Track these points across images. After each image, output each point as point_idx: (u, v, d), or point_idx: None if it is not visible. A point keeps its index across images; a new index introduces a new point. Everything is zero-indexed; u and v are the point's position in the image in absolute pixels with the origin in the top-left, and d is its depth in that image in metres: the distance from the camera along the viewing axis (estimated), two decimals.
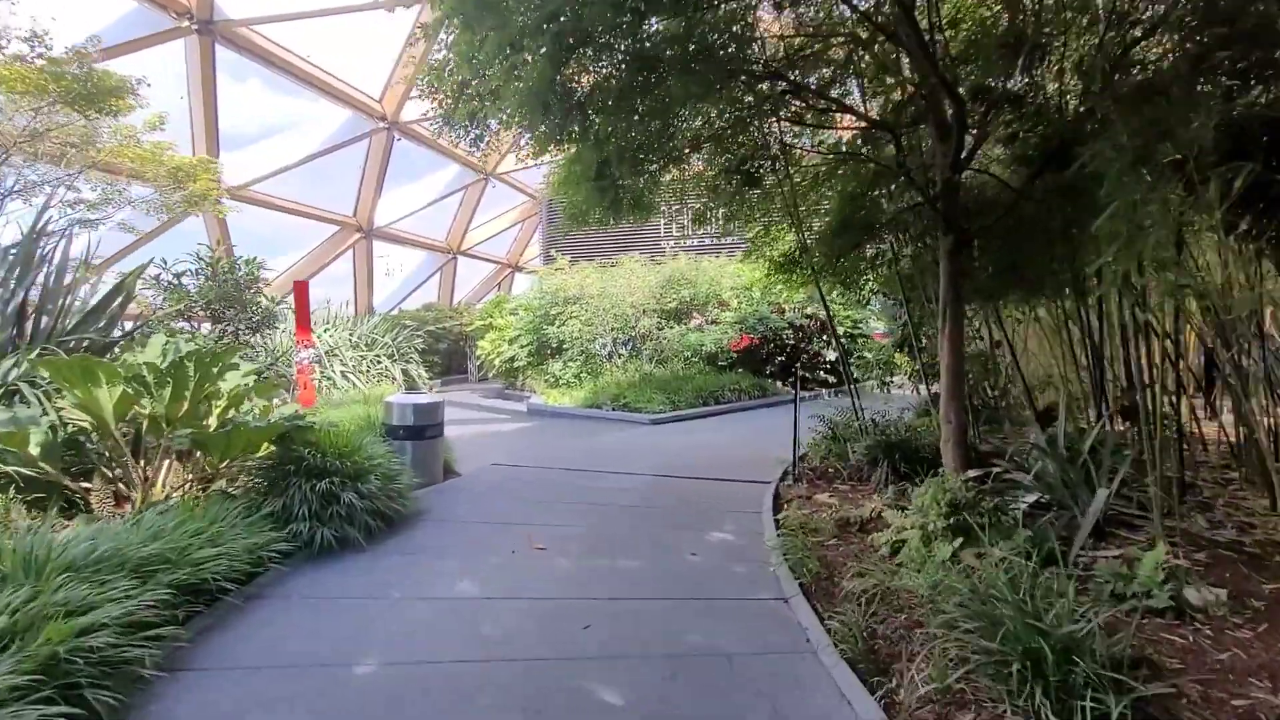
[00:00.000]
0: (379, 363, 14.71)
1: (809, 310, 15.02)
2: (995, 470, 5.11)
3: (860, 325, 15.97)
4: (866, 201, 6.37)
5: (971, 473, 5.01)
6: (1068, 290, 6.01)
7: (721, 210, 8.50)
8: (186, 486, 5.30)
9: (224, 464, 5.25)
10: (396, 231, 21.72)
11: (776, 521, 5.39)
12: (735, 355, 14.49)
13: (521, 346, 16.06)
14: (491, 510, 5.93)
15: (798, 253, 7.54)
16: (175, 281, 9.25)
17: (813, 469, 6.95)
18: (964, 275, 5.64)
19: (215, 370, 5.09)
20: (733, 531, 5.30)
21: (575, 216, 7.16)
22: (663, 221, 24.04)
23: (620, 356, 14.87)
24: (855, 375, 17.28)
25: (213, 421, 5.55)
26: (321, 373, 12.32)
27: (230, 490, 5.27)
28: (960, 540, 4.32)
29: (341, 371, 12.75)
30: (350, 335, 14.81)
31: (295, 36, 13.65)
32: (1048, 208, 5.28)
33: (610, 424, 11.72)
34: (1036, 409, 6.92)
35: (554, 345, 15.29)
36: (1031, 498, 4.94)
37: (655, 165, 6.16)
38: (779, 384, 15.18)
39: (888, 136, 5.77)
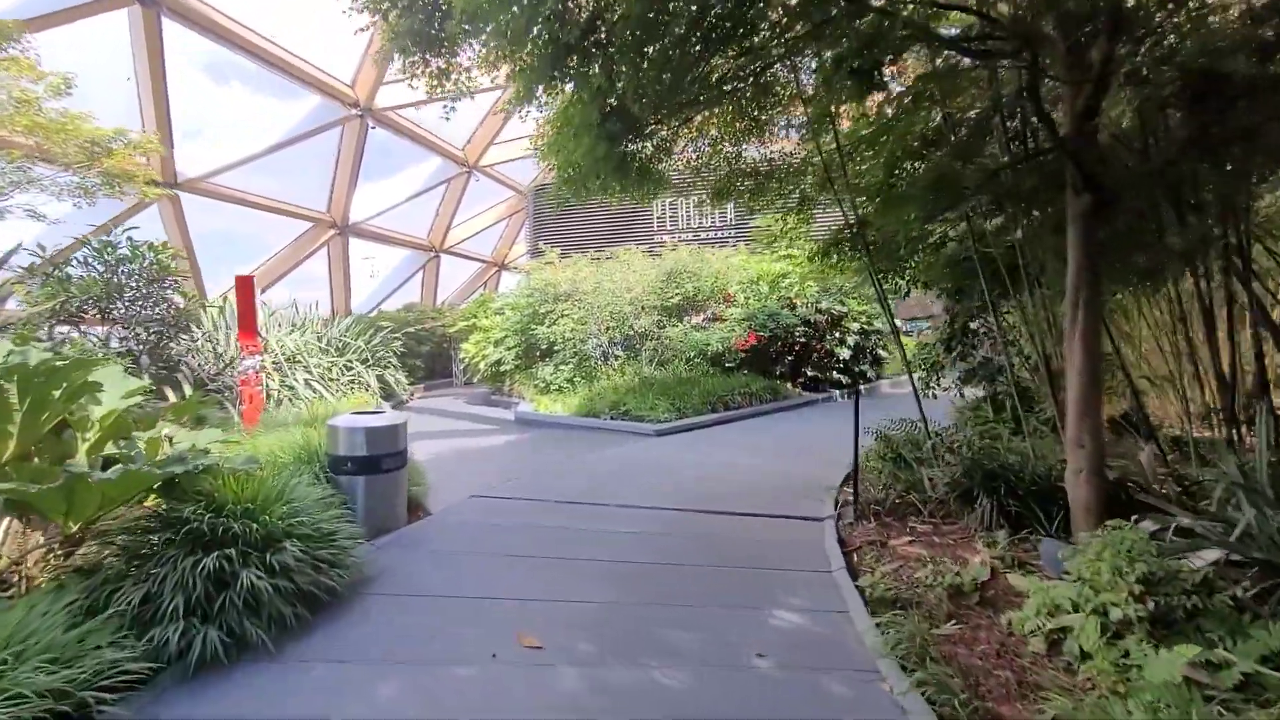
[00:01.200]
0: (351, 369, 13.01)
1: (822, 305, 13.50)
2: (1171, 519, 3.58)
3: (875, 321, 14.49)
4: (948, 154, 4.82)
5: (1147, 525, 3.48)
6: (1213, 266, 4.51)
7: (748, 184, 6.95)
8: (36, 559, 3.66)
9: (81, 526, 3.61)
10: (374, 228, 19.97)
11: (860, 591, 3.83)
12: (743, 355, 12.96)
13: (508, 349, 14.40)
14: (466, 574, 4.31)
15: (848, 231, 5.99)
16: (54, 273, 7.41)
17: (875, 500, 5.40)
18: (1101, 250, 4.11)
19: (58, 391, 3.45)
20: (805, 608, 3.72)
21: (572, 182, 5.57)
22: (656, 214, 22.55)
23: (617, 358, 13.28)
24: (870, 374, 15.84)
25: (81, 459, 3.90)
26: (281, 382, 10.62)
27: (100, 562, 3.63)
28: (1176, 641, 2.78)
29: (306, 380, 11.05)
30: (319, 339, 13.09)
31: (256, 12, 11.90)
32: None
33: (610, 436, 10.13)
34: (1149, 423, 5.43)
35: (544, 347, 13.66)
36: (1213, 555, 3.42)
37: (681, 103, 4.55)
38: (789, 385, 13.67)
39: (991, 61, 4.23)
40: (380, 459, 4.94)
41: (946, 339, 8.04)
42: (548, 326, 13.29)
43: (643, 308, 12.83)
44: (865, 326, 14.29)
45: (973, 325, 8.21)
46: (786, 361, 14.23)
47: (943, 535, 4.66)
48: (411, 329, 17.31)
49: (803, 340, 13.73)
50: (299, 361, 11.32)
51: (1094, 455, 4.09)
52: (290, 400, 10.41)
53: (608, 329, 13.05)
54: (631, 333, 13.06)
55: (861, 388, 16.07)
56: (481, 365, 14.98)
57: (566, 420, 11.46)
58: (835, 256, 6.51)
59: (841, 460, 7.57)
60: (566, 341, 13.06)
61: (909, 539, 4.65)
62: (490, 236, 28.17)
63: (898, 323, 18.65)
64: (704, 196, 7.22)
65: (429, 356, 19.27)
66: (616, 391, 11.94)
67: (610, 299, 12.69)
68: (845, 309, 13.78)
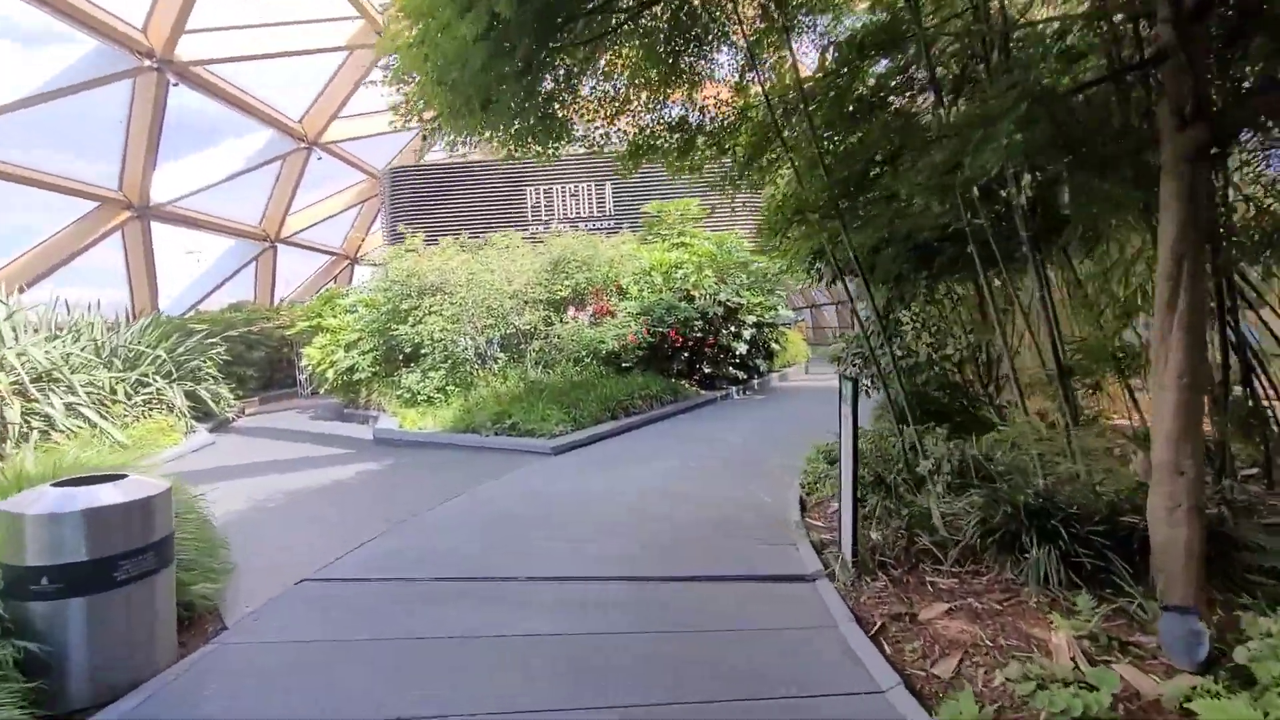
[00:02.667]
0: (148, 385, 9.87)
1: (721, 296, 12.33)
2: None
3: (771, 313, 13.61)
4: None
5: None
6: None
7: (673, 139, 5.36)
8: None
9: None
10: (186, 211, 16.15)
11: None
12: (641, 353, 11.46)
13: (363, 353, 11.83)
14: None
15: (812, 194, 4.58)
16: None
17: (870, 545, 4.03)
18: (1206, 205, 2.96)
19: None
20: None
21: (455, 115, 3.70)
22: (532, 200, 20.49)
23: (497, 361, 11.24)
24: (763, 368, 15.02)
25: None
26: (26, 410, 7.49)
27: None
28: None
29: (70, 405, 7.95)
30: (99, 348, 9.79)
31: None
32: None
33: (496, 457, 8.16)
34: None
35: (407, 350, 11.29)
36: None
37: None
38: (685, 384, 12.38)
39: None
40: (113, 563, 2.76)
41: (880, 331, 6.97)
42: (411, 326, 10.95)
43: (526, 302, 10.89)
44: (760, 319, 13.35)
45: (901, 316, 7.29)
46: (683, 358, 12.96)
47: (982, 598, 3.37)
48: (238, 332, 14.01)
49: (699, 335, 12.51)
50: (58, 380, 8.16)
51: (1196, 484, 2.96)
52: (41, 435, 7.36)
53: (486, 327, 10.97)
54: (514, 331, 11.08)
55: (755, 382, 15.28)
56: (330, 374, 12.24)
57: (439, 438, 9.29)
58: (795, 233, 5.11)
59: (780, 473, 6.29)
60: (436, 343, 10.81)
61: (944, 607, 3.32)
62: (340, 226, 24.58)
63: (789, 313, 18.17)
64: (619, 156, 5.51)
65: (265, 364, 15.91)
66: (499, 400, 9.96)
67: (488, 292, 10.62)
68: (742, 301, 12.73)
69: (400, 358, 11.68)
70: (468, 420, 9.49)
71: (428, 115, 4.86)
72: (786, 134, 4.73)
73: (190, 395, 10.64)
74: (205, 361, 11.98)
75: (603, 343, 10.75)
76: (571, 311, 12.42)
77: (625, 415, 10.03)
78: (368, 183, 23.72)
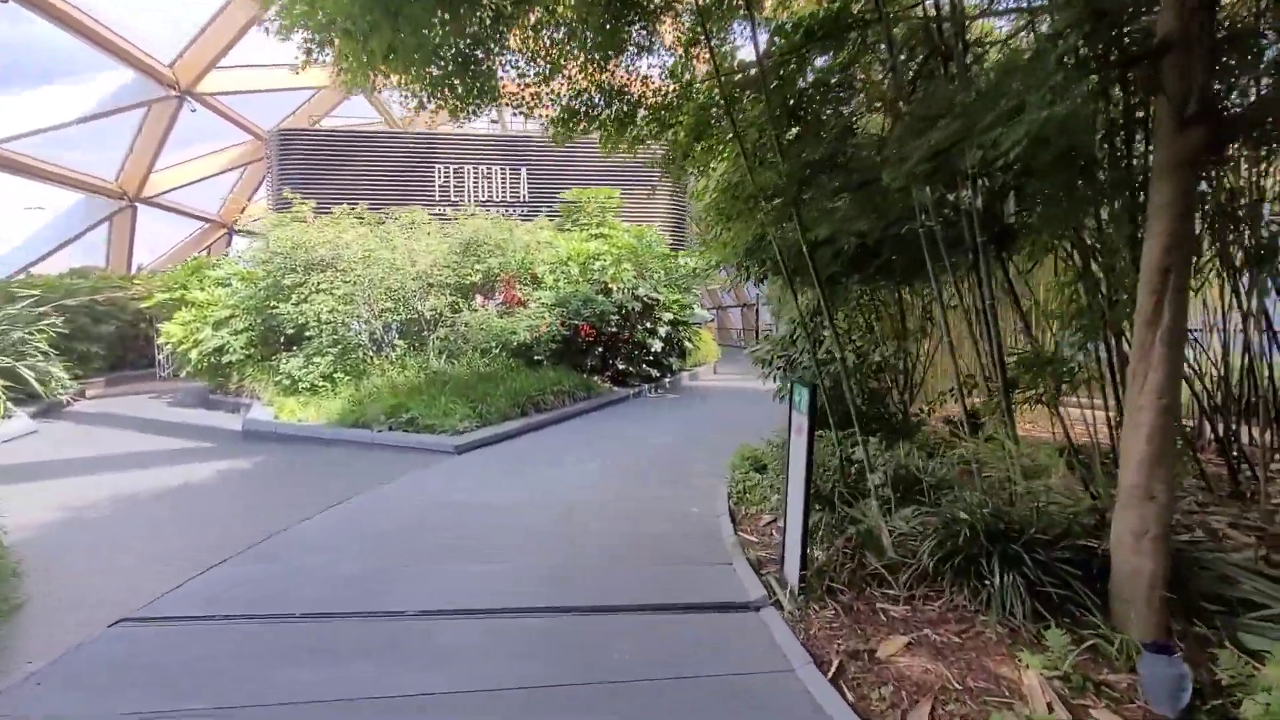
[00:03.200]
0: None
1: (640, 291, 11.85)
2: None
3: (687, 311, 13.31)
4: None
5: None
6: None
7: (612, 109, 4.77)
8: None
9: None
10: (16, 156, 13.59)
11: None
12: (554, 347, 10.76)
13: (236, 333, 10.34)
14: None
15: (769, 179, 4.15)
16: None
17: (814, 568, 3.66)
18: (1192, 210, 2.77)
19: None
20: None
21: (355, 39, 2.91)
22: (440, 180, 19.15)
23: (396, 348, 10.15)
24: (676, 367, 14.72)
25: None
26: None
27: None
28: None
29: None
30: None
31: None
32: None
33: (389, 456, 7.23)
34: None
35: (290, 331, 9.96)
36: None
37: None
38: (598, 380, 11.82)
39: None
40: None
41: (807, 334, 6.74)
42: (295, 304, 9.65)
43: (431, 285, 9.89)
44: (677, 317, 13.02)
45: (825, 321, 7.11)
46: (597, 353, 12.38)
47: (939, 628, 3.06)
48: (77, 301, 11.93)
49: (614, 329, 11.99)
50: None
51: (1166, 511, 2.77)
52: None
53: (384, 310, 9.86)
54: (416, 316, 10.04)
55: (667, 381, 14.98)
56: (193, 355, 10.63)
57: (322, 432, 8.18)
58: (736, 224, 4.66)
59: (706, 480, 5.88)
60: (324, 325, 9.58)
61: (902, 640, 2.97)
62: (218, 190, 21.97)
63: (704, 312, 17.99)
64: (552, 121, 4.84)
65: (115, 340, 13.71)
66: (396, 392, 8.95)
67: (388, 272, 9.53)
68: (659, 297, 12.33)
69: (281, 340, 10.31)
70: (358, 413, 8.44)
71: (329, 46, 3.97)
72: (739, 116, 4.28)
73: (6, 373, 8.80)
74: (32, 334, 10.02)
75: (514, 334, 9.96)
76: (480, 299, 11.51)
77: (537, 411, 9.33)
78: (252, 144, 21.30)
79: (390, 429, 8.03)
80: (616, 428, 8.86)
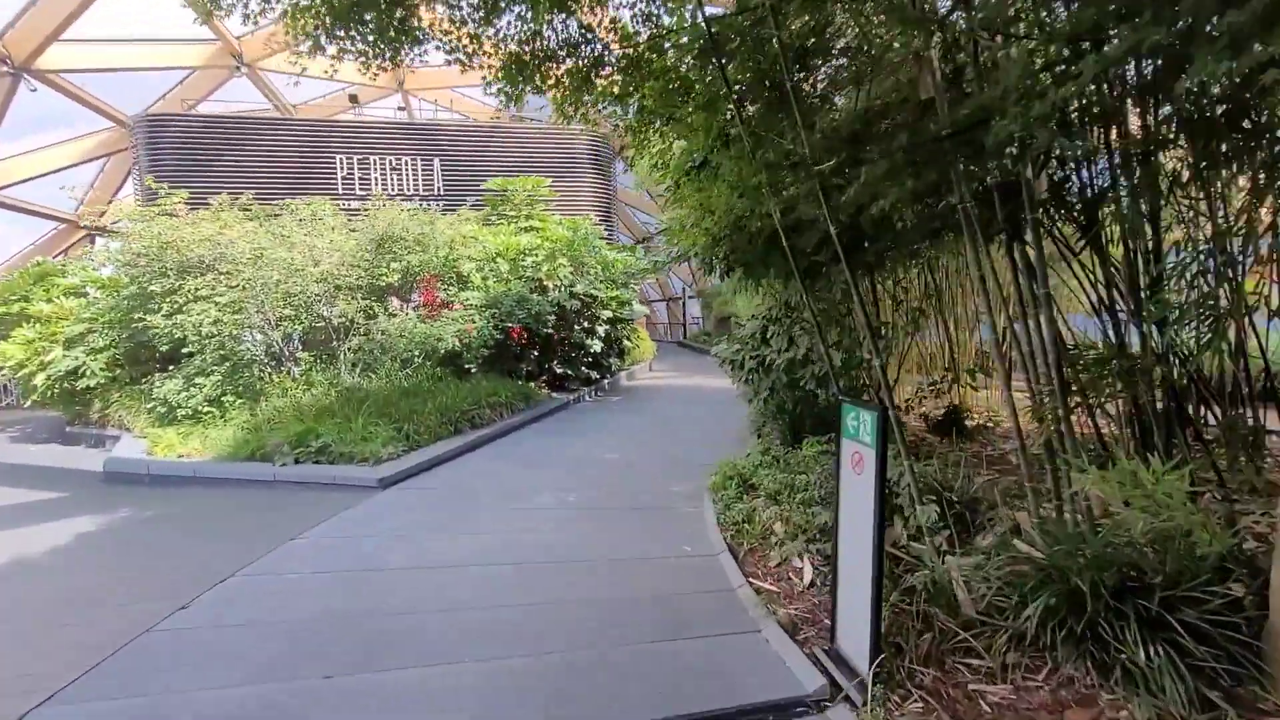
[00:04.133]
0: None
1: (578, 288, 10.83)
2: None
3: (626, 307, 12.43)
4: None
5: None
6: None
7: (564, 64, 3.79)
8: None
9: None
10: None
11: None
12: (485, 353, 9.57)
13: (94, 351, 8.51)
14: None
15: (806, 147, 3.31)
16: None
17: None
18: None
19: None
20: None
21: None
22: (343, 171, 17.25)
23: (299, 363, 8.65)
24: (614, 367, 13.82)
25: None
26: None
27: None
28: None
29: None
30: None
31: None
32: None
33: (295, 497, 5.92)
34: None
35: (164, 348, 8.26)
36: None
37: None
38: (533, 386, 10.74)
39: None
40: None
41: (783, 330, 6.02)
42: (168, 315, 7.97)
43: (339, 288, 8.46)
44: (616, 314, 12.10)
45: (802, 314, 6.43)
46: (532, 357, 11.28)
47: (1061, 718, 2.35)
48: None
49: (551, 331, 10.93)
50: None
51: None
52: None
53: (283, 319, 8.35)
54: (323, 324, 8.59)
55: (605, 382, 14.05)
56: (39, 379, 8.67)
57: (208, 470, 6.69)
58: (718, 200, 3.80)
59: (687, 508, 5.02)
60: (207, 339, 7.97)
61: None
62: (76, 185, 18.88)
63: (643, 307, 17.14)
64: (495, 75, 3.79)
65: None
66: (302, 415, 7.54)
67: (285, 274, 8.02)
68: (598, 293, 11.36)
69: (153, 359, 8.56)
70: (255, 443, 6.99)
71: None
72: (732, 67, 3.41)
73: None
74: None
75: (440, 340, 8.71)
76: (396, 303, 10.13)
77: (472, 428, 8.17)
78: (114, 133, 18.45)
79: (297, 461, 6.67)
80: (564, 443, 7.86)
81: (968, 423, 6.35)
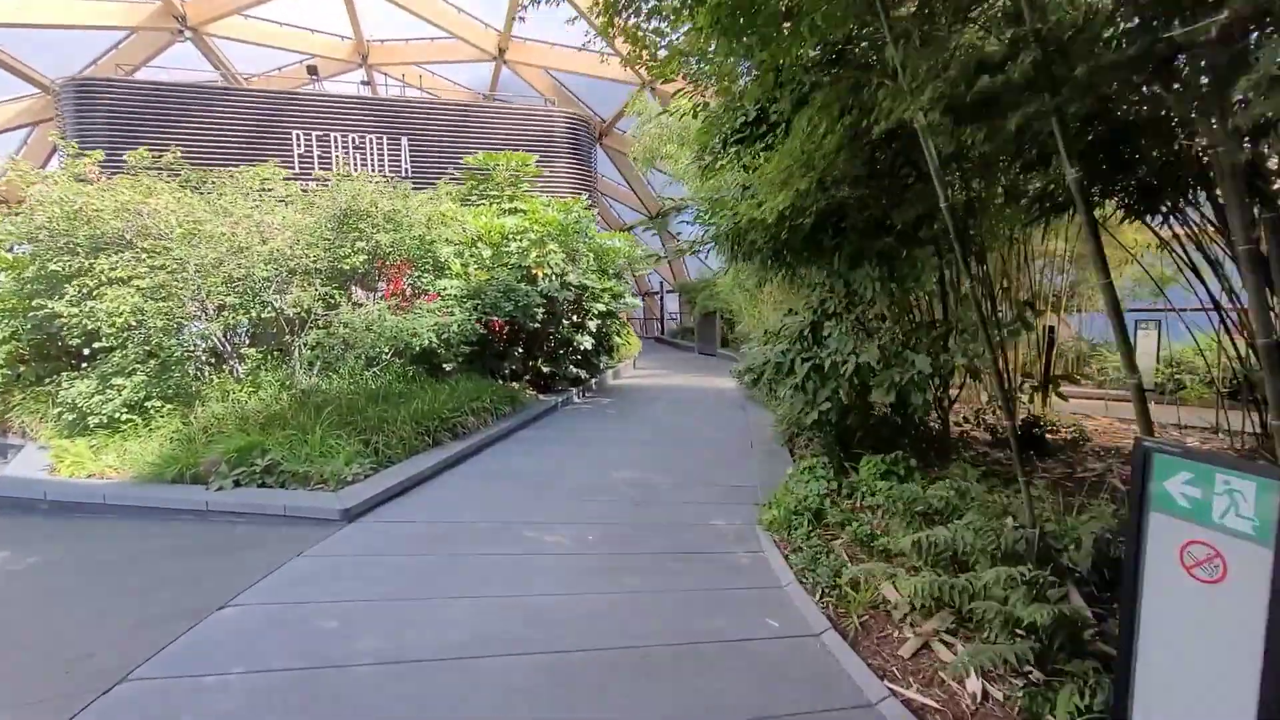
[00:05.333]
0: None
1: (570, 278, 9.57)
2: None
3: (620, 301, 11.21)
4: None
5: None
6: None
7: None
8: None
9: None
10: None
11: None
12: (467, 349, 8.25)
13: None
14: None
15: None
16: None
17: None
18: None
19: None
20: None
21: None
22: (300, 147, 15.57)
23: (244, 361, 7.20)
24: (603, 365, 12.61)
25: None
26: None
27: None
28: None
29: None
30: None
31: None
32: None
33: (233, 536, 4.58)
34: None
35: (76, 341, 6.72)
36: None
37: None
38: (516, 386, 9.48)
39: None
40: None
41: (848, 330, 4.94)
42: (75, 301, 6.43)
43: (293, 271, 7.03)
44: (608, 307, 10.88)
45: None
46: (517, 355, 10.00)
47: None
48: None
49: (539, 325, 9.67)
50: None
51: None
52: None
53: (223, 309, 6.89)
54: (274, 315, 7.15)
55: (593, 382, 12.79)
56: None
57: (126, 495, 5.25)
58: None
59: (730, 545, 3.89)
60: (127, 332, 6.47)
61: None
62: None
63: (637, 300, 15.92)
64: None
65: None
66: (247, 424, 6.16)
67: (226, 254, 6.57)
68: (590, 284, 10.12)
69: (62, 353, 7.01)
70: (185, 461, 5.58)
71: None
72: None
73: None
74: None
75: (414, 335, 7.37)
76: (361, 293, 8.72)
77: (453, 438, 6.89)
78: (40, 100, 16.35)
79: (237, 484, 5.30)
80: (563, 457, 6.64)
81: (1045, 436, 5.40)
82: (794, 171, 3.00)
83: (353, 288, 8.87)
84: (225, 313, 6.96)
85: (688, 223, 5.81)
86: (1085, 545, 2.65)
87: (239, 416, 6.39)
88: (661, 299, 29.77)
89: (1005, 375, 5.87)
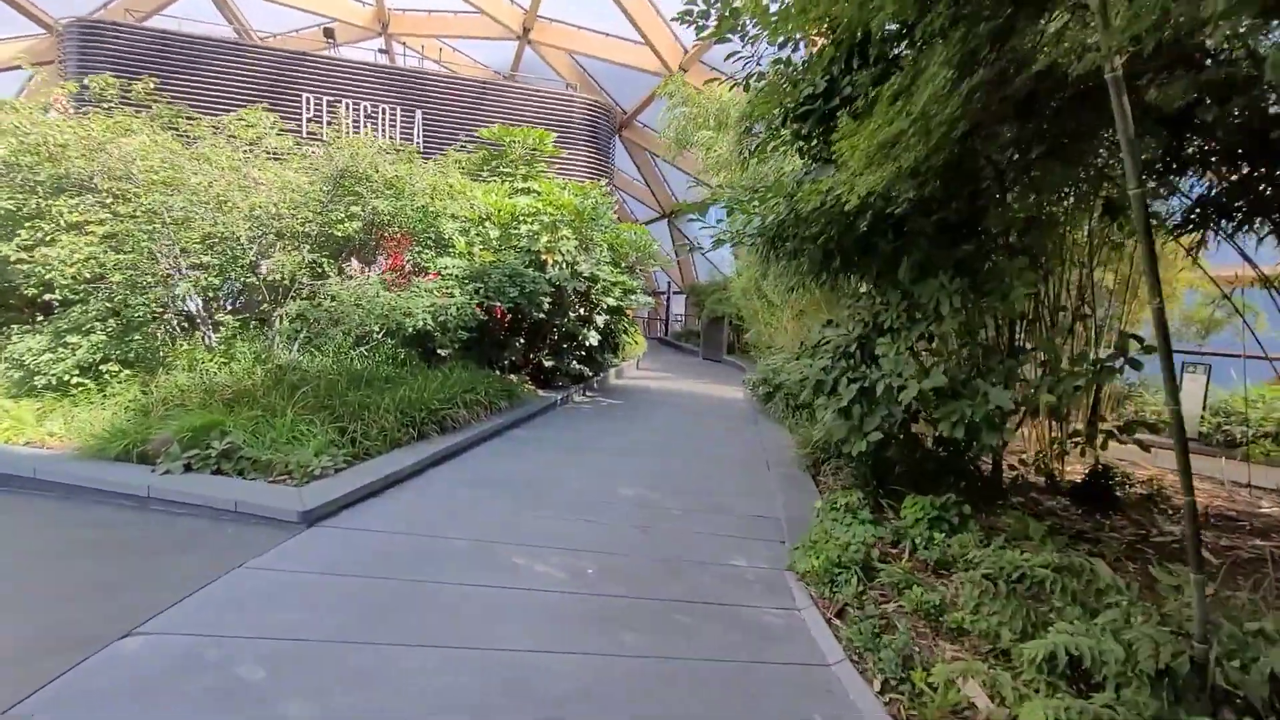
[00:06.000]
0: None
1: (582, 267, 8.86)
2: None
3: (632, 297, 10.49)
4: None
5: None
6: None
7: None
8: None
9: None
10: None
11: None
12: (466, 336, 7.54)
13: None
14: None
15: None
16: None
17: None
18: None
19: None
20: None
21: None
22: (309, 111, 14.86)
23: (219, 328, 6.48)
24: (607, 361, 11.91)
25: None
26: None
27: None
28: None
29: None
30: None
31: None
32: None
33: (167, 529, 3.87)
34: None
35: (33, 290, 6.00)
36: None
37: None
38: (515, 379, 8.78)
39: None
40: None
41: (905, 347, 4.25)
42: (24, 246, 5.70)
43: (279, 234, 6.31)
44: (619, 302, 10.17)
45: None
46: (517, 345, 9.29)
47: None
48: None
49: (543, 316, 8.96)
50: None
51: None
52: None
53: (198, 268, 6.18)
54: (255, 281, 6.43)
55: (595, 381, 12.07)
56: None
57: (58, 471, 4.51)
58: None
59: (759, 598, 3.20)
60: (85, 286, 5.75)
61: None
62: None
63: (648, 298, 15.24)
64: None
65: None
66: (210, 399, 5.46)
67: (204, 206, 5.84)
68: (604, 276, 9.41)
69: (31, 304, 6.28)
70: (136, 435, 4.87)
71: None
72: None
73: None
74: None
75: (408, 315, 6.65)
76: (356, 265, 8.00)
77: (441, 432, 6.19)
78: (44, 41, 15.58)
79: (188, 469, 4.60)
80: (560, 464, 5.94)
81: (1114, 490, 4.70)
82: (907, 139, 2.29)
83: (351, 260, 8.16)
84: (198, 275, 6.24)
85: (707, 225, 5.09)
86: (1261, 667, 1.95)
87: (205, 389, 5.68)
88: (668, 299, 29.07)
89: (1089, 415, 5.20)
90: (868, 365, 4.27)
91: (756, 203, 4.26)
